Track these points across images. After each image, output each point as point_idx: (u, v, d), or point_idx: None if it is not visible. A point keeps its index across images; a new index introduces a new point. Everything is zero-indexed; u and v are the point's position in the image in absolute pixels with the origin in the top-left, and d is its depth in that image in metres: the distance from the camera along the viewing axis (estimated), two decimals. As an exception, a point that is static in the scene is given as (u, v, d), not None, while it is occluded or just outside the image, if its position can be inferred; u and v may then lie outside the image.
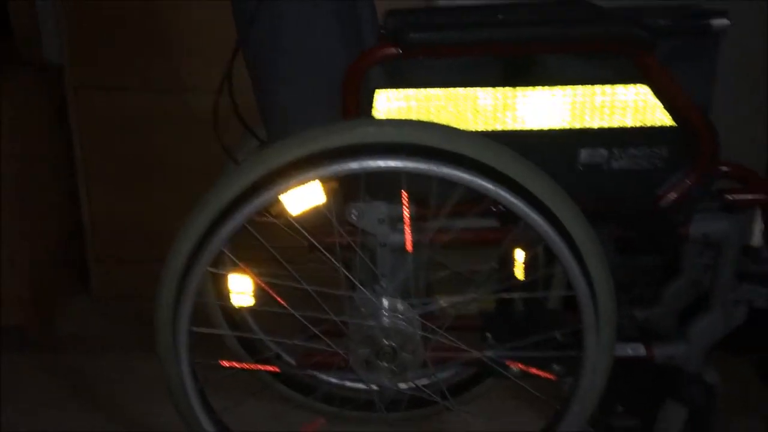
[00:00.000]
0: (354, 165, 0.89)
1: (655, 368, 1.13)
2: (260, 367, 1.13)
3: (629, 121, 0.97)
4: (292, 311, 0.98)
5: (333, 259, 0.98)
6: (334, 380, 1.17)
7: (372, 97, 0.96)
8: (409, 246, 0.98)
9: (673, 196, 0.99)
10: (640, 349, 1.10)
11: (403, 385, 1.06)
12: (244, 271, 1.05)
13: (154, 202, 1.71)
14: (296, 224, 0.95)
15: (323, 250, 0.98)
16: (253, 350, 1.21)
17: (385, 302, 1.01)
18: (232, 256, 1.02)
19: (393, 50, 0.91)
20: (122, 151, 1.73)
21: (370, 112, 0.96)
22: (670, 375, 1.13)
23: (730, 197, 1.04)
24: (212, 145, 1.08)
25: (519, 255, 1.08)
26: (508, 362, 1.04)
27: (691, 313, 1.12)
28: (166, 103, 1.68)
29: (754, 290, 1.10)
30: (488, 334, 1.08)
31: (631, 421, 1.24)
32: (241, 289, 1.15)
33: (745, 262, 1.11)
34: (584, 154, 0.98)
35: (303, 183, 0.90)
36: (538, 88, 0.96)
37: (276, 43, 0.94)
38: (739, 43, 1.66)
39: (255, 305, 1.11)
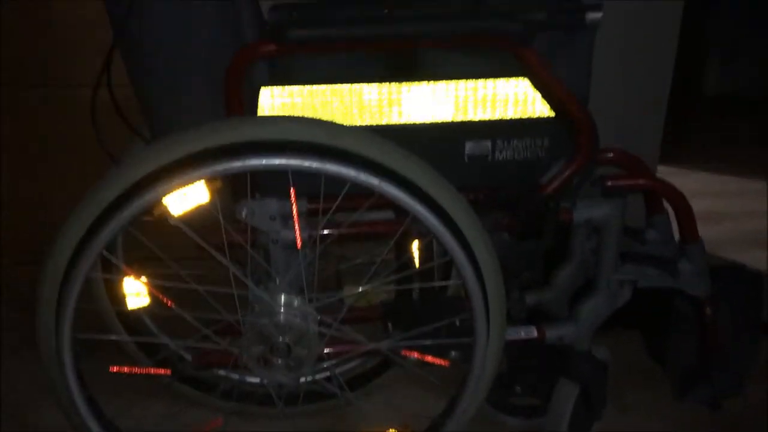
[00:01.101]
0: (237, 164, 0.88)
1: (549, 350, 1.17)
2: (151, 370, 1.10)
3: (511, 113, 1.00)
4: (181, 312, 0.96)
5: (223, 258, 0.97)
6: (232, 377, 1.16)
7: (257, 93, 0.95)
8: (299, 243, 0.98)
9: (555, 183, 1.03)
10: (532, 332, 1.14)
11: (303, 379, 1.06)
12: (133, 274, 1.02)
13: (55, 206, 1.65)
14: (183, 225, 0.93)
15: (211, 250, 0.97)
16: (152, 352, 1.19)
17: (281, 299, 1.00)
18: (114, 259, 0.99)
19: (271, 47, 0.91)
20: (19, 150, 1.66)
21: (255, 109, 0.95)
22: (562, 354, 1.18)
23: (609, 183, 1.08)
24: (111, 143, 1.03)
25: (414, 245, 1.10)
26: (404, 352, 1.05)
27: (582, 294, 1.17)
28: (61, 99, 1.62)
29: (637, 270, 1.15)
30: (389, 325, 1.10)
31: (530, 401, 1.29)
32: (136, 291, 1.13)
33: (628, 243, 1.16)
34: (469, 147, 1.00)
35: (186, 183, 0.88)
36: (423, 83, 0.97)
37: (152, 43, 0.91)
38: (642, 37, 1.73)
39: (150, 307, 1.09)
